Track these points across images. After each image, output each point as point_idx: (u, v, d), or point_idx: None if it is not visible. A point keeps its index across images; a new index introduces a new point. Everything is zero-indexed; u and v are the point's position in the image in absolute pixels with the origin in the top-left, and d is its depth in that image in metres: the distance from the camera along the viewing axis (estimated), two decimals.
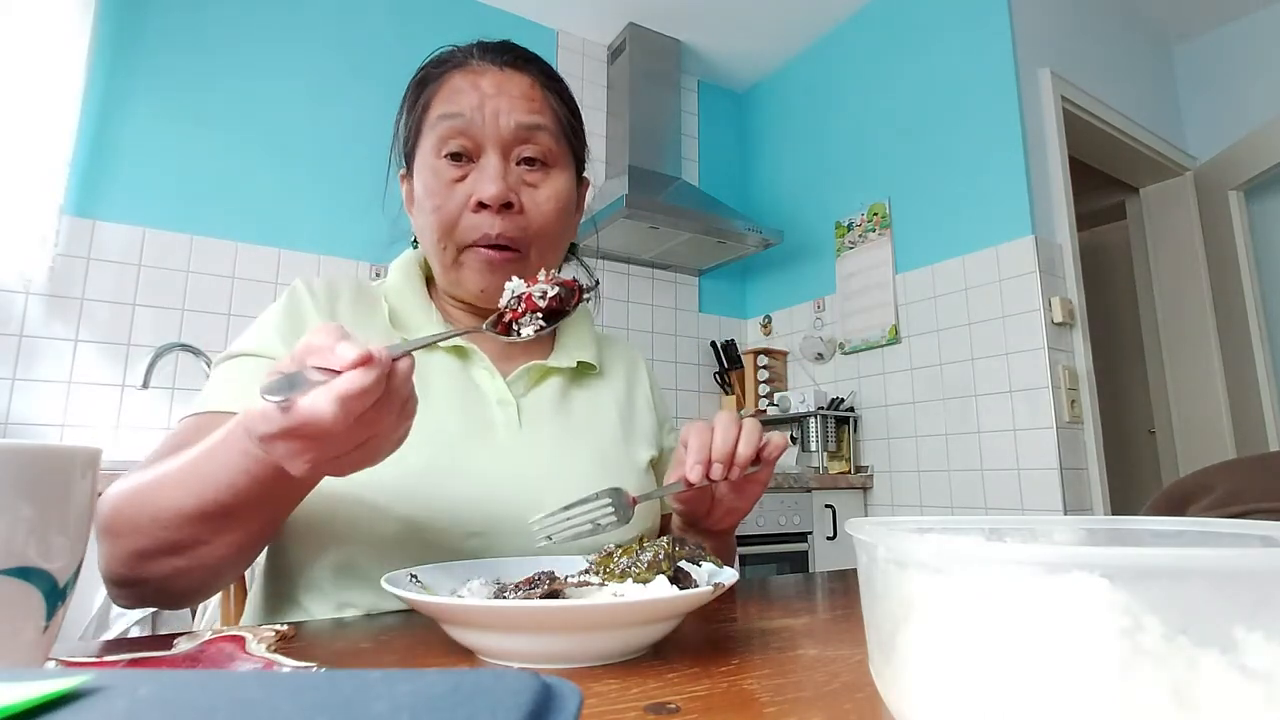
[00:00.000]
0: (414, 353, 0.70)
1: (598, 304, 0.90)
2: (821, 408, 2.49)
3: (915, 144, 2.45)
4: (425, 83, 0.72)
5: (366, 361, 0.38)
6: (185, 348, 1.94)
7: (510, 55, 0.71)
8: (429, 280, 0.79)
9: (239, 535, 0.50)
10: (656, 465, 0.83)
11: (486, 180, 0.66)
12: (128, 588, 0.53)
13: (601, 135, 2.83)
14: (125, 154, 1.98)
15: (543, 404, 0.73)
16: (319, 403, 0.37)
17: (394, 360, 0.40)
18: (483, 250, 0.67)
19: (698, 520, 0.67)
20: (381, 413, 0.40)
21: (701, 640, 0.47)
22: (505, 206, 0.66)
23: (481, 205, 0.66)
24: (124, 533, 0.50)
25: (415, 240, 0.80)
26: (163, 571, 0.51)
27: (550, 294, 0.52)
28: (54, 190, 1.78)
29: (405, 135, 0.73)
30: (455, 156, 0.67)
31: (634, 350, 0.91)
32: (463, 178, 0.67)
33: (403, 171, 0.76)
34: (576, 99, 0.77)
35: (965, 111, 2.29)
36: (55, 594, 0.27)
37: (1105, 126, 2.48)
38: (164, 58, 2.07)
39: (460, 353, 0.72)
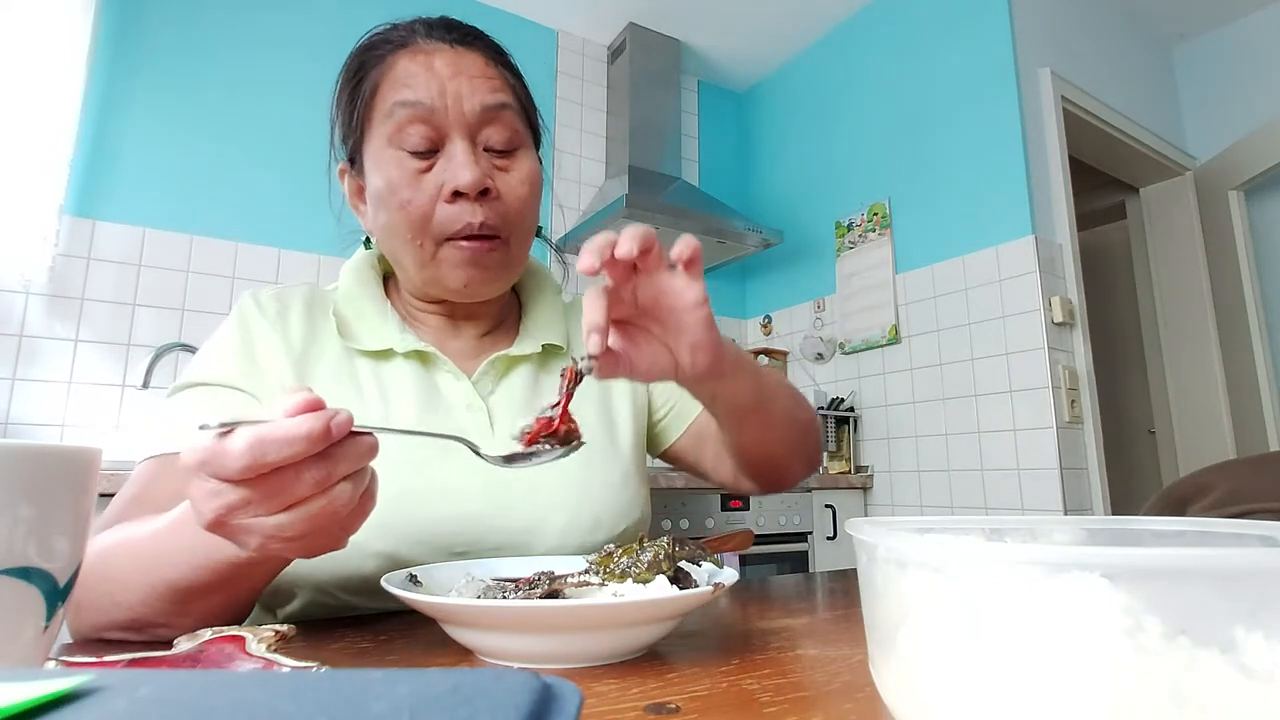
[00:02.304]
0: (374, 363, 0.66)
1: (567, 279, 0.85)
2: (822, 408, 2.49)
3: (915, 144, 2.45)
4: (365, 66, 0.67)
5: (308, 409, 0.35)
6: (185, 348, 1.94)
7: (458, 32, 0.67)
8: (388, 277, 0.75)
9: (195, 622, 0.46)
10: (653, 422, 0.79)
11: (458, 167, 0.61)
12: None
13: (601, 135, 2.82)
14: (125, 154, 1.98)
15: (513, 402, 0.70)
16: (233, 437, 0.34)
17: (354, 433, 0.36)
18: (464, 244, 0.63)
19: (683, 380, 0.56)
20: (302, 477, 0.35)
21: (701, 640, 0.47)
22: (482, 194, 0.63)
23: (457, 195, 0.62)
24: (85, 606, 0.48)
25: (367, 239, 0.75)
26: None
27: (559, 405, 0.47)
28: (54, 190, 1.78)
29: (349, 126, 0.67)
30: (417, 145, 0.63)
31: None
32: (429, 168, 0.63)
33: (342, 165, 0.71)
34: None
35: (965, 111, 2.29)
36: (55, 594, 0.27)
37: (1105, 126, 2.48)
38: (164, 57, 2.06)
39: (422, 358, 0.68)
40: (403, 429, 0.42)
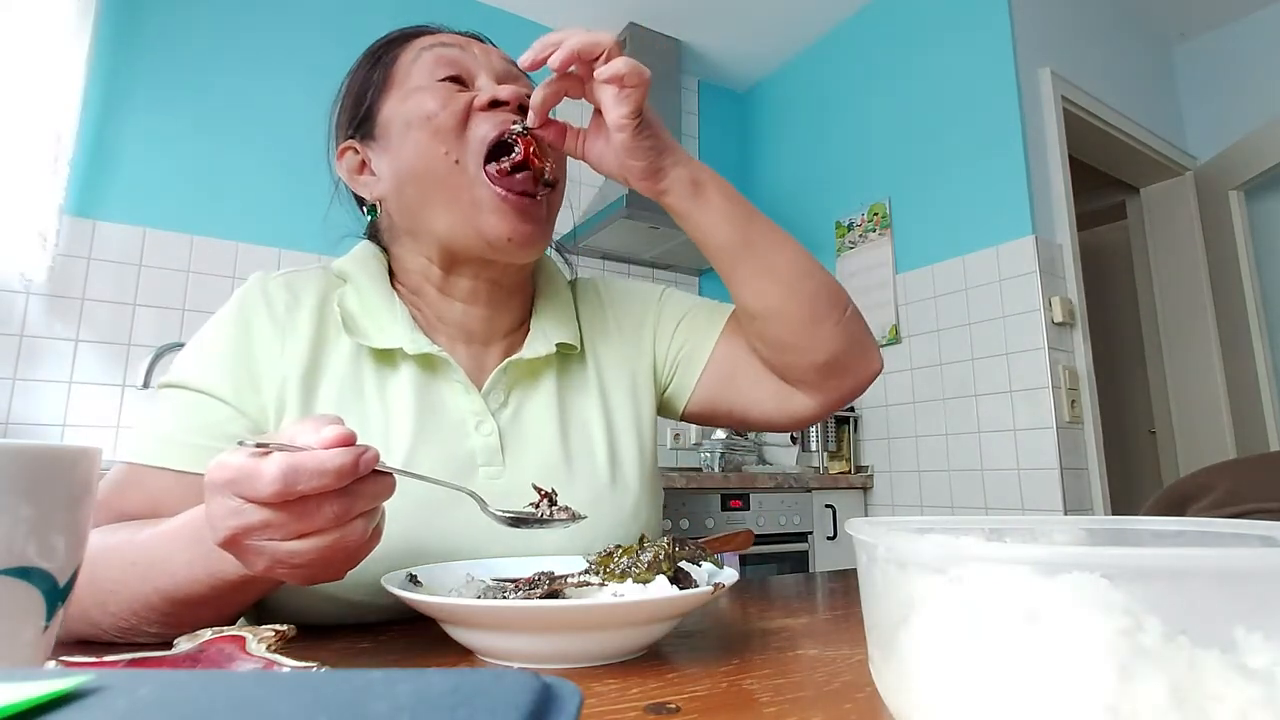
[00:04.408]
0: (380, 372, 0.63)
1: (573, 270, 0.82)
2: None
3: (915, 144, 2.45)
4: (389, 46, 0.66)
5: (341, 443, 0.35)
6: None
7: (476, 34, 0.69)
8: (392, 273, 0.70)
9: (183, 632, 0.46)
10: (663, 387, 0.75)
11: (494, 87, 0.61)
12: None
13: None
14: (125, 154, 1.97)
15: (527, 416, 0.65)
16: (267, 461, 0.35)
17: (376, 470, 0.37)
18: (510, 194, 0.58)
19: (622, 170, 0.59)
20: (323, 508, 0.36)
21: (701, 640, 0.47)
22: (520, 112, 0.60)
23: (494, 104, 0.60)
24: (71, 615, 0.46)
25: (371, 208, 0.69)
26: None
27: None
28: (54, 190, 1.78)
29: (364, 93, 0.65)
30: (447, 73, 0.61)
31: (603, 287, 0.79)
32: (460, 92, 0.61)
33: (345, 144, 0.66)
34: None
35: (965, 111, 2.29)
36: (55, 594, 0.27)
37: (1105, 126, 2.48)
38: (164, 58, 2.06)
39: (430, 364, 0.63)
40: (420, 475, 0.42)
